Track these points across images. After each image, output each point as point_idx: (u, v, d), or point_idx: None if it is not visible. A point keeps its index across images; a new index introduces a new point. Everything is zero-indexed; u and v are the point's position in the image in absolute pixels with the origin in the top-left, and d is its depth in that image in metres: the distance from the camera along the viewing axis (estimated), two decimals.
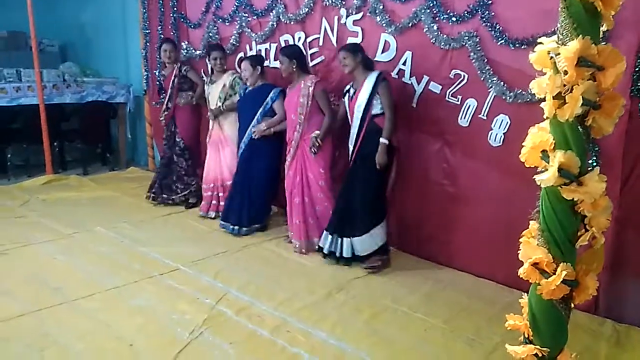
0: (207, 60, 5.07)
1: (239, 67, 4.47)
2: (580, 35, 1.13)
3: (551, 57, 1.19)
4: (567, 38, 1.15)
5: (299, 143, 3.74)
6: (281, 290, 3.11)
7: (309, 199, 3.77)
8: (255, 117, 4.04)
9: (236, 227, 4.08)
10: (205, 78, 4.64)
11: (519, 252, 1.36)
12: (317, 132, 3.64)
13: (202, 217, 4.47)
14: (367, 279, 3.33)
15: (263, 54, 4.49)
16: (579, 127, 1.19)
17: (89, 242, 3.86)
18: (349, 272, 3.41)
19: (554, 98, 1.16)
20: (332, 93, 3.91)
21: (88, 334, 2.57)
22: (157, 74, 5.68)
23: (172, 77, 4.63)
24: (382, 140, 3.28)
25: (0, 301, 2.88)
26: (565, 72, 1.14)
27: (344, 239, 3.47)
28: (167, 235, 4.07)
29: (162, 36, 5.50)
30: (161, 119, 4.80)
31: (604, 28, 1.21)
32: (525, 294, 1.40)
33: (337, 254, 3.50)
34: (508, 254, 3.04)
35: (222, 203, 4.39)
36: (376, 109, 3.34)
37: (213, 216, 4.44)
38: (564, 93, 1.16)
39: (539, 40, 1.24)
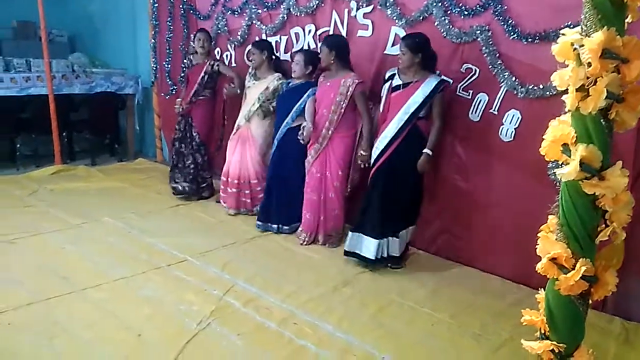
0: (216, 52, 5.07)
1: (248, 58, 4.44)
2: (605, 27, 1.11)
3: (574, 49, 1.17)
4: (592, 29, 1.13)
5: (327, 140, 3.63)
6: (288, 283, 3.11)
7: (324, 197, 3.72)
8: (290, 115, 3.86)
9: (275, 226, 3.98)
10: (249, 71, 4.43)
11: (527, 247, 1.35)
12: (362, 152, 3.49)
13: (232, 215, 4.36)
14: (373, 273, 3.32)
15: (273, 46, 4.46)
16: (602, 120, 1.17)
17: (97, 232, 3.87)
18: (355, 265, 3.40)
19: (576, 90, 1.14)
20: None
21: (96, 324, 2.58)
22: (165, 65, 5.68)
23: (202, 73, 4.51)
24: (426, 151, 3.15)
25: (10, 290, 2.89)
26: (589, 64, 1.12)
27: (383, 239, 3.30)
28: (175, 226, 4.08)
29: (171, 27, 5.50)
30: (177, 107, 4.63)
31: (629, 20, 1.18)
32: (541, 289, 1.38)
33: (362, 254, 3.32)
34: (516, 250, 3.08)
35: (247, 201, 4.34)
36: (423, 112, 3.19)
37: (233, 213, 4.36)
38: (587, 86, 1.14)
39: (561, 32, 1.21)
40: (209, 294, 2.93)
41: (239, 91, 4.42)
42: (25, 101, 5.79)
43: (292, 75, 3.92)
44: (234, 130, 4.41)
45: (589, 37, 1.13)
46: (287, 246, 3.76)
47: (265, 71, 4.21)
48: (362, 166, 3.54)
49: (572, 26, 1.26)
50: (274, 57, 4.25)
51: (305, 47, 4.19)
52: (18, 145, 5.87)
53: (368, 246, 3.29)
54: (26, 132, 5.89)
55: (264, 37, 4.53)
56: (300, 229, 3.86)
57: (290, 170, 3.94)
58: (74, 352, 2.35)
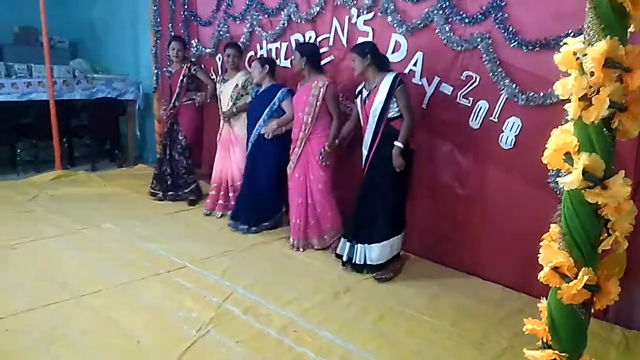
0: (217, 58, 5.09)
1: (249, 66, 4.48)
2: (608, 36, 1.11)
3: (577, 58, 1.17)
4: (594, 39, 1.13)
5: (305, 143, 3.71)
6: (288, 290, 3.10)
7: (310, 200, 3.76)
8: (262, 118, 4.02)
9: (245, 226, 4.08)
10: (216, 77, 4.65)
11: (528, 255, 1.34)
12: (326, 148, 3.59)
13: (207, 215, 4.47)
14: (374, 280, 3.31)
15: (274, 53, 4.48)
16: (605, 129, 1.17)
17: (97, 238, 3.86)
18: (356, 273, 3.39)
19: (579, 100, 1.14)
20: (341, 93, 3.90)
21: (95, 330, 2.57)
22: (167, 71, 5.69)
23: (181, 77, 4.60)
24: (396, 143, 3.16)
25: (9, 296, 2.88)
26: (592, 74, 1.12)
27: (359, 245, 3.36)
28: (175, 232, 4.07)
29: (172, 34, 5.50)
30: (162, 113, 4.84)
31: (632, 29, 1.19)
32: (544, 298, 1.38)
33: (353, 260, 3.38)
34: (517, 258, 3.07)
35: (232, 203, 4.39)
36: (393, 112, 3.21)
37: (219, 215, 4.44)
38: (590, 95, 1.14)
39: (563, 40, 1.22)
40: (209, 300, 2.92)
41: (208, 100, 4.61)
42: (26, 106, 5.80)
43: (256, 84, 4.14)
44: (218, 136, 4.51)
45: (591, 46, 1.13)
46: (287, 253, 3.75)
47: (234, 73, 4.37)
48: (323, 164, 3.64)
49: (572, 34, 1.26)
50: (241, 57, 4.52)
51: None
52: (19, 151, 5.88)
53: (343, 247, 3.44)
54: (27, 137, 5.91)
55: (264, 43, 4.55)
56: (289, 235, 3.87)
57: (264, 171, 4.06)
58: (72, 359, 2.33)
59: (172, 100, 4.65)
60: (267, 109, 4.01)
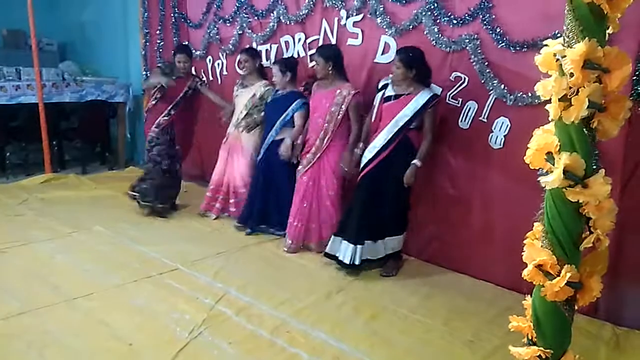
0: (207, 61, 5.09)
1: (239, 66, 4.46)
2: (587, 38, 1.14)
3: (557, 60, 1.19)
4: (573, 40, 1.16)
5: (323, 151, 3.63)
6: (281, 291, 3.11)
7: (316, 205, 3.72)
8: (274, 127, 3.95)
9: (251, 229, 4.08)
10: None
11: (518, 254, 1.37)
12: (346, 158, 3.50)
13: (201, 215, 4.46)
14: (366, 280, 3.33)
15: (263, 54, 4.48)
16: (585, 129, 1.19)
17: (88, 241, 3.85)
18: (351, 274, 3.39)
19: (559, 100, 1.17)
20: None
21: (87, 333, 2.56)
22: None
23: (186, 88, 4.37)
24: (415, 162, 3.14)
25: (0, 299, 2.86)
26: (571, 75, 1.15)
27: (354, 245, 3.30)
28: (167, 234, 4.06)
29: (162, 36, 5.50)
30: (146, 111, 4.62)
31: (610, 31, 1.21)
32: (528, 296, 1.40)
33: (352, 261, 3.32)
34: (508, 256, 3.09)
35: (232, 209, 4.37)
36: (414, 124, 3.20)
37: (213, 218, 4.42)
38: (570, 95, 1.16)
39: (544, 42, 1.24)
40: (201, 302, 2.92)
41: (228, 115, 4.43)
42: (15, 110, 5.76)
43: (276, 87, 4.02)
44: (225, 139, 4.43)
45: (571, 48, 1.16)
46: (279, 254, 3.75)
47: (254, 79, 4.25)
48: (343, 172, 3.56)
49: (559, 35, 1.29)
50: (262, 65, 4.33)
51: (295, 55, 4.22)
52: (8, 154, 5.83)
53: (345, 250, 3.33)
54: (16, 140, 5.86)
55: (254, 45, 4.55)
56: (285, 236, 3.84)
57: (281, 177, 3.97)
58: None
59: (169, 109, 4.39)
60: (281, 118, 3.92)
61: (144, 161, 4.73)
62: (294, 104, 3.87)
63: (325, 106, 3.58)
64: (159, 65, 4.59)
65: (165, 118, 4.37)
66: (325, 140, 3.61)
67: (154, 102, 4.41)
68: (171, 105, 4.35)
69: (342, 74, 3.60)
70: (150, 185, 4.42)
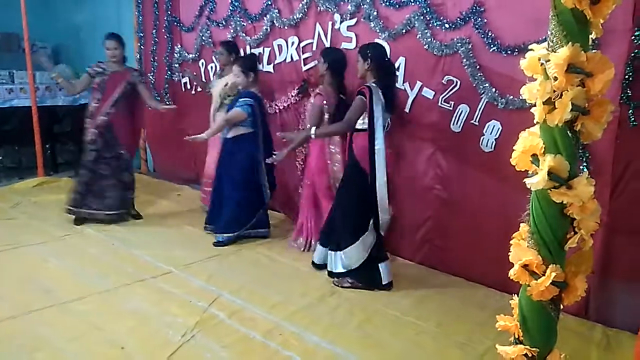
0: (200, 64, 5.10)
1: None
2: (570, 43, 1.16)
3: (542, 64, 1.22)
4: (557, 45, 1.18)
5: (308, 152, 3.83)
6: (274, 294, 3.11)
7: (315, 204, 3.85)
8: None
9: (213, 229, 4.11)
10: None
11: (509, 256, 1.38)
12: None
13: (203, 210, 4.51)
14: None
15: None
16: (569, 132, 1.22)
17: (81, 244, 3.84)
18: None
19: (544, 103, 1.19)
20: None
21: (79, 337, 2.56)
22: (150, 77, 5.69)
23: (124, 83, 4.13)
24: (311, 130, 3.26)
25: None
26: (555, 78, 1.17)
27: (330, 252, 3.36)
28: (160, 238, 4.06)
29: (156, 39, 5.51)
30: (89, 116, 4.15)
31: (593, 36, 1.24)
32: (516, 295, 1.42)
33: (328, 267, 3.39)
34: (500, 259, 3.09)
35: None
36: (359, 124, 3.18)
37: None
38: (554, 99, 1.18)
39: (529, 47, 1.26)
40: (194, 305, 2.92)
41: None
42: (8, 113, 5.75)
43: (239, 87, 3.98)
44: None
45: (555, 52, 1.18)
46: (272, 257, 3.76)
47: (229, 68, 4.26)
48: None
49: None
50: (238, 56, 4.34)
51: (288, 60, 4.24)
52: (1, 158, 5.82)
53: (318, 253, 3.53)
54: (9, 144, 5.84)
55: (247, 49, 4.57)
56: (297, 236, 3.94)
57: (222, 180, 4.02)
58: None
59: (106, 106, 4.09)
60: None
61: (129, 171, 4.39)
62: (238, 101, 3.83)
63: (308, 107, 3.73)
64: (87, 69, 4.22)
65: (103, 118, 4.09)
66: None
67: (96, 105, 4.13)
68: (110, 103, 4.10)
69: (334, 80, 3.63)
70: (87, 193, 4.17)
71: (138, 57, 5.81)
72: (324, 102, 3.58)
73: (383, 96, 3.10)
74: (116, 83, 4.13)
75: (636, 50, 2.52)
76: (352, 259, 3.22)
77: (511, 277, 1.32)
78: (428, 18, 3.33)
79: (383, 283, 3.24)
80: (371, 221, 3.21)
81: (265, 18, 4.36)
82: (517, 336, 1.38)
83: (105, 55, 4.16)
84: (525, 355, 1.33)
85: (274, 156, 3.54)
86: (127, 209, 4.40)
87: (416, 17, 3.37)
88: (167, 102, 5.55)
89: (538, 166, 1.21)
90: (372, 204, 3.16)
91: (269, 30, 4.35)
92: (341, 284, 3.28)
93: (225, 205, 3.98)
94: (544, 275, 1.23)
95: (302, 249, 3.86)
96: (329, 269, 3.38)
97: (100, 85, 4.13)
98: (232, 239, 3.94)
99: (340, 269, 3.28)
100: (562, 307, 1.33)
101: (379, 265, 3.24)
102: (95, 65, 4.19)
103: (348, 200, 3.27)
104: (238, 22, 4.61)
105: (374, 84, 3.13)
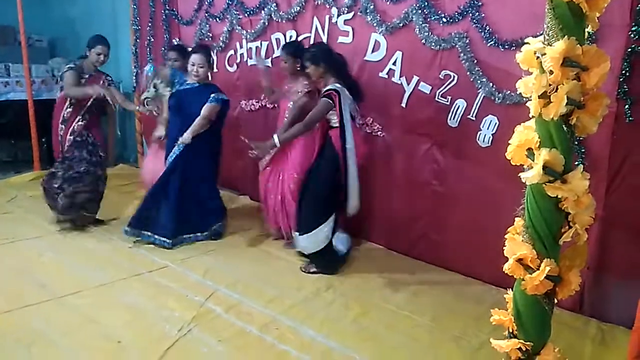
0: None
1: (229, 64, 4.39)
2: (566, 36, 1.15)
3: (537, 57, 1.21)
4: (553, 39, 1.18)
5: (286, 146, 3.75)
6: (270, 288, 3.12)
7: (282, 197, 3.78)
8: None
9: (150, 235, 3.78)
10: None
11: (504, 250, 1.39)
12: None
13: None
14: (355, 277, 3.35)
15: (254, 51, 4.48)
16: (564, 125, 1.22)
17: (77, 238, 3.84)
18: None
19: (539, 97, 1.19)
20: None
21: (76, 331, 2.56)
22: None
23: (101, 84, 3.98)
24: (274, 137, 3.35)
25: None
26: (551, 72, 1.17)
27: (295, 233, 3.49)
28: None
29: (152, 33, 5.48)
30: (60, 122, 3.96)
31: (589, 29, 1.23)
32: (511, 289, 1.43)
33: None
34: (495, 254, 3.10)
35: None
36: (332, 122, 3.28)
37: None
38: (549, 92, 1.18)
39: (525, 40, 1.26)
40: (190, 300, 2.92)
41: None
42: (4, 106, 5.72)
43: (192, 80, 3.79)
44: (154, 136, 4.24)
45: (550, 46, 1.18)
46: (269, 251, 3.76)
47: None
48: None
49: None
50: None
51: None
52: None
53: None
54: (5, 137, 5.82)
55: (244, 42, 4.55)
56: (269, 226, 3.92)
57: (192, 180, 3.82)
58: (53, 359, 2.32)
59: (84, 110, 3.95)
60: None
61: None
62: (212, 96, 3.71)
63: (287, 103, 3.72)
64: (71, 66, 3.95)
65: (80, 124, 3.96)
66: None
67: (70, 110, 3.94)
68: (85, 109, 3.95)
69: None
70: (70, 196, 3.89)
71: (134, 50, 5.77)
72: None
73: (348, 91, 3.23)
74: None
75: (633, 46, 2.51)
76: (314, 242, 3.34)
77: (506, 271, 1.32)
78: (426, 12, 3.32)
79: (340, 256, 3.47)
80: (332, 215, 3.36)
81: (262, 11, 4.34)
82: (511, 330, 1.39)
83: (91, 59, 3.93)
84: (520, 349, 1.33)
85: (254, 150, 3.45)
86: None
87: (414, 11, 3.36)
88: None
89: (533, 160, 1.21)
90: (338, 196, 3.30)
91: (266, 23, 4.33)
92: (308, 270, 3.41)
93: (189, 205, 3.82)
94: (538, 269, 1.23)
95: (278, 238, 3.85)
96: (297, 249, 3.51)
97: None
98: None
99: (307, 250, 3.41)
100: (556, 301, 1.33)
101: (334, 242, 3.41)
102: (74, 65, 3.97)
103: (322, 185, 3.34)
104: (234, 16, 4.59)
105: (338, 85, 3.21)
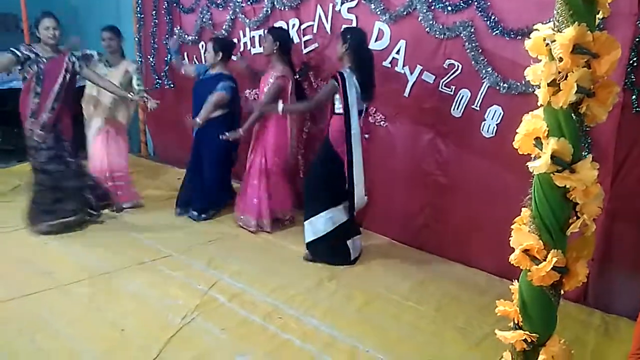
0: (200, 46, 5.04)
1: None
2: (576, 22, 1.13)
3: (547, 44, 1.19)
4: (563, 25, 1.15)
5: (260, 129, 3.91)
6: (274, 278, 3.12)
7: (266, 181, 3.92)
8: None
9: (197, 213, 4.13)
10: (95, 56, 4.29)
11: (510, 242, 1.37)
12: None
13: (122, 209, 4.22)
14: (359, 267, 3.35)
15: (257, 40, 4.45)
16: (573, 114, 1.19)
17: (81, 227, 3.83)
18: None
19: (548, 85, 1.17)
20: (324, 81, 3.91)
21: (79, 319, 2.57)
22: (150, 59, 5.64)
23: (63, 71, 3.58)
24: (280, 104, 3.46)
25: None
26: (561, 59, 1.14)
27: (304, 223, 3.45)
28: (159, 221, 4.06)
29: (155, 21, 5.44)
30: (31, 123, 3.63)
31: (600, 16, 1.21)
32: (517, 280, 1.42)
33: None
34: (499, 244, 3.09)
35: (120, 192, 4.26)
36: (336, 109, 3.26)
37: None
38: (559, 80, 1.16)
39: (535, 27, 1.24)
40: (194, 289, 2.93)
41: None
42: (6, 95, 5.69)
43: (206, 64, 4.16)
44: (89, 124, 4.28)
45: (560, 32, 1.15)
46: (273, 241, 3.77)
47: (118, 57, 4.21)
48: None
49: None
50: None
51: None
52: None
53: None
54: (7, 126, 5.80)
55: (247, 31, 4.51)
56: (248, 216, 3.91)
57: (204, 161, 4.10)
58: (56, 348, 2.34)
59: (51, 103, 3.56)
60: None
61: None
62: (220, 84, 3.93)
63: (262, 87, 3.84)
64: (12, 49, 3.50)
65: (49, 115, 3.58)
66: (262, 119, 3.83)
67: (37, 101, 3.56)
68: (53, 97, 3.56)
69: (284, 58, 3.78)
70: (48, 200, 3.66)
71: (137, 39, 5.74)
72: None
73: (358, 83, 3.17)
74: (56, 72, 3.54)
75: None
76: (317, 228, 3.34)
77: (512, 262, 1.31)
78: (430, 0, 3.28)
79: (351, 259, 3.39)
80: (342, 204, 3.32)
81: (265, 0, 4.29)
82: (516, 321, 1.38)
83: (43, 39, 3.51)
84: (525, 340, 1.32)
85: (227, 134, 3.77)
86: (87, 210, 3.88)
87: None
88: (168, 85, 5.50)
89: (541, 149, 1.20)
90: (343, 185, 3.26)
91: (269, 12, 4.29)
92: (307, 258, 3.43)
93: (205, 185, 4.09)
94: (545, 260, 1.22)
95: (254, 229, 3.86)
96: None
97: (37, 76, 3.51)
98: (209, 217, 4.13)
99: (309, 238, 3.39)
100: (562, 292, 1.33)
101: (347, 242, 3.37)
102: (24, 47, 3.53)
103: (319, 175, 3.40)
104: (237, 4, 4.55)
105: (348, 70, 3.18)
